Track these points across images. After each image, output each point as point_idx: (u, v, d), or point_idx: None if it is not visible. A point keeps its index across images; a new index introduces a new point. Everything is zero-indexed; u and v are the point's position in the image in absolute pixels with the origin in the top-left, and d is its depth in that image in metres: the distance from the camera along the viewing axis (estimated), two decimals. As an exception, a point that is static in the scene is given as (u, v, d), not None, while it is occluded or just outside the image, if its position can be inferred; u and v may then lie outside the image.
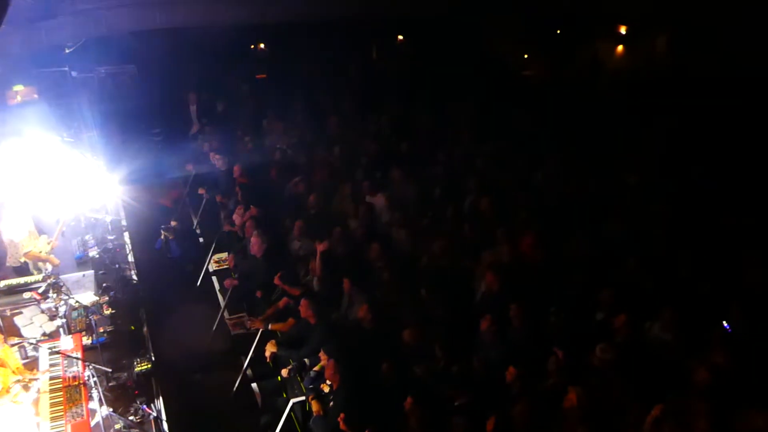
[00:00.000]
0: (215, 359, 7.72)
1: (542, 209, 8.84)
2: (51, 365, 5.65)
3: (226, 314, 8.03)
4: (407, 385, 5.91)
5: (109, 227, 8.60)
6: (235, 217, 9.12)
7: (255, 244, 8.09)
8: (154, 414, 5.84)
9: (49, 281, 6.80)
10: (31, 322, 6.51)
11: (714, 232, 7.87)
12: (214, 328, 8.11)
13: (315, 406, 6.08)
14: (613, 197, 9.14)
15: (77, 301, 6.68)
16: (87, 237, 8.38)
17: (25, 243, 7.47)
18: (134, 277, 8.12)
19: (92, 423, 5.17)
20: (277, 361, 6.87)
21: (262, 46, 17.45)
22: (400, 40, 18.20)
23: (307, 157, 11.04)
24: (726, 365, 5.60)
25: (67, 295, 6.66)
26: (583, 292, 7.01)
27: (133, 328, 6.95)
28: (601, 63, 16.09)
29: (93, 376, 5.28)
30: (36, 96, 11.97)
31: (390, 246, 8.25)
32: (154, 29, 12.61)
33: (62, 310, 6.52)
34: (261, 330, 7.08)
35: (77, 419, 5.10)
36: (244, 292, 8.04)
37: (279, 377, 6.77)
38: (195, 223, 10.45)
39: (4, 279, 7.13)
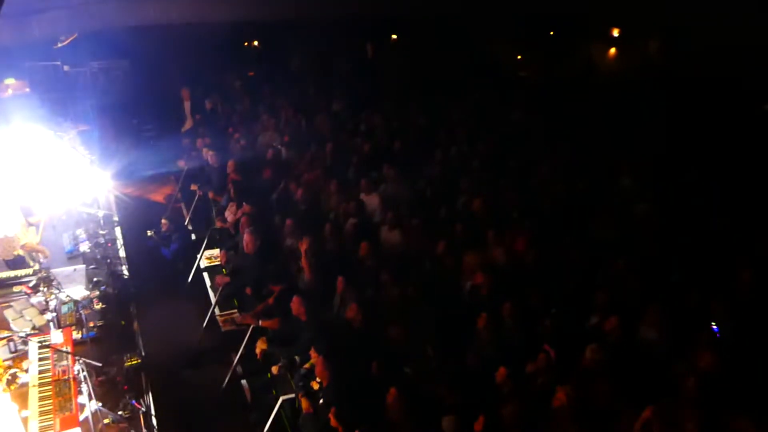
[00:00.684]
0: (205, 355, 7.69)
1: (536, 210, 8.89)
2: (40, 359, 5.63)
3: (216, 311, 8.03)
4: (397, 383, 5.93)
5: (101, 222, 8.57)
6: (227, 213, 9.11)
7: (248, 241, 8.08)
8: (144, 409, 5.85)
9: (40, 275, 6.77)
10: (21, 315, 6.47)
11: (706, 235, 7.94)
12: (204, 324, 8.09)
13: (305, 404, 6.07)
14: (606, 198, 9.20)
15: (68, 296, 6.68)
16: (78, 231, 8.35)
17: (20, 235, 7.43)
18: (125, 272, 8.12)
19: (81, 417, 5.15)
20: (268, 358, 6.88)
21: (255, 43, 17.42)
22: (395, 39, 18.22)
23: (299, 155, 11.02)
24: (713, 368, 5.66)
25: (57, 289, 6.65)
26: (575, 293, 7.06)
27: (123, 323, 6.96)
28: (594, 64, 16.20)
29: (83, 371, 5.27)
30: (28, 90, 11.94)
31: (380, 245, 8.28)
32: (148, 25, 12.58)
33: (53, 304, 6.50)
34: (252, 327, 7.08)
35: (66, 413, 5.09)
36: (235, 288, 8.04)
37: (269, 374, 6.77)
38: (187, 220, 10.42)
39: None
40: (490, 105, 13.35)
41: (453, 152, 10.97)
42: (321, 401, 6.02)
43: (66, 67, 12.97)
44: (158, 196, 11.31)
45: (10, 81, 11.74)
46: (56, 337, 5.96)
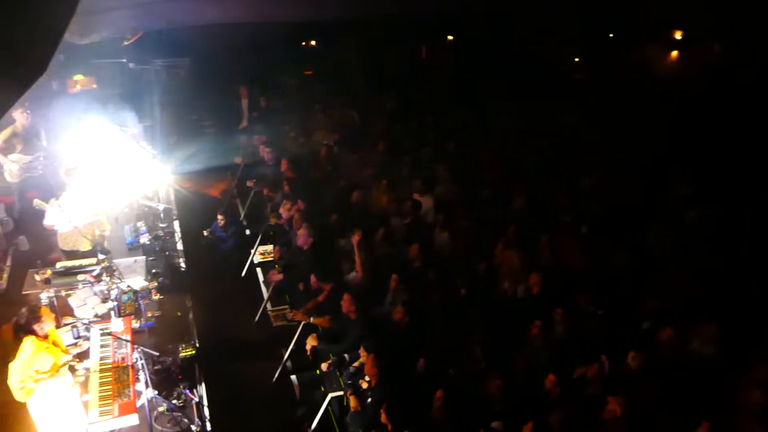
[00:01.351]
0: (256, 349, 7.82)
1: (588, 215, 8.71)
2: (101, 346, 5.84)
3: (268, 306, 8.16)
4: (444, 385, 5.89)
5: (161, 215, 8.83)
6: (281, 210, 9.24)
7: (302, 237, 8.20)
8: (196, 399, 6.00)
9: (103, 265, 7.01)
10: (85, 303, 6.73)
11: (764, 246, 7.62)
12: (256, 319, 8.23)
13: (353, 402, 6.10)
14: (661, 206, 8.93)
15: (128, 285, 6.90)
16: (139, 224, 8.62)
17: (99, 224, 7.70)
18: (182, 264, 8.33)
19: (137, 404, 5.31)
20: (317, 355, 6.96)
21: (312, 42, 17.60)
22: (450, 40, 18.11)
23: (352, 154, 11.10)
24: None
25: (119, 279, 6.87)
26: (627, 300, 6.88)
27: (179, 314, 7.14)
28: (652, 68, 15.69)
29: (141, 359, 5.43)
30: (95, 86, 12.37)
31: (431, 246, 8.25)
32: (210, 24, 12.85)
33: (114, 293, 6.72)
34: (302, 323, 7.17)
35: (124, 399, 5.25)
36: (287, 284, 8.15)
37: (318, 371, 6.84)
38: (242, 215, 10.64)
39: (58, 261, 7.37)
40: (542, 107, 13.13)
41: (505, 154, 10.84)
42: (369, 400, 6.04)
43: (131, 65, 13.40)
44: (214, 191, 11.57)
45: (78, 77, 12.18)
46: (116, 325, 6.16)
